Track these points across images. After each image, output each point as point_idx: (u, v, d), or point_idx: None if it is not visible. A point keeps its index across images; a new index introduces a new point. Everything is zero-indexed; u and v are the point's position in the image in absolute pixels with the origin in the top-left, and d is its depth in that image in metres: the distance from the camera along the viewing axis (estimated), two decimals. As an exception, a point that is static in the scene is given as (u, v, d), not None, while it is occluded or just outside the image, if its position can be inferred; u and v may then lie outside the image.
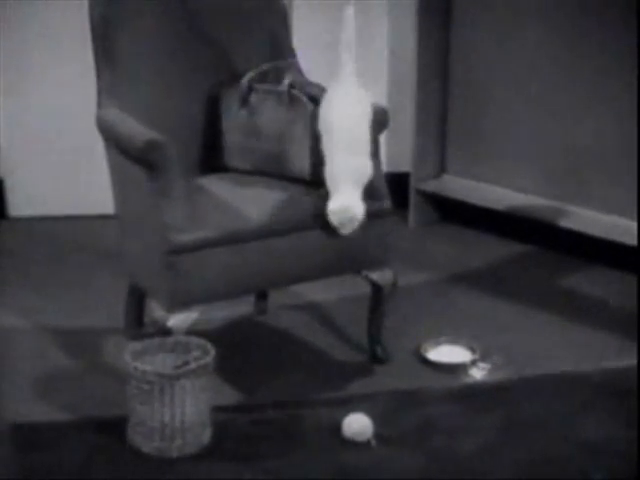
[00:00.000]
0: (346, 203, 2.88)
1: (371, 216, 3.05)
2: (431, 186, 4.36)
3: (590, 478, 2.47)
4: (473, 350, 3.29)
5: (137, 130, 2.90)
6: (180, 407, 2.72)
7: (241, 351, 3.30)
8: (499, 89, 4.20)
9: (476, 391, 3.13)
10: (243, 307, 3.50)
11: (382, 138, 3.12)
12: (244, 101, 3.17)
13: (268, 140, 3.14)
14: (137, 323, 3.26)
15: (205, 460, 2.75)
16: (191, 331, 2.87)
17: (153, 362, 2.83)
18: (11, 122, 4.26)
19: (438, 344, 3.33)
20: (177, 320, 2.84)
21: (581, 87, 3.94)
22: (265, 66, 3.19)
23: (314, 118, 3.03)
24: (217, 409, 2.85)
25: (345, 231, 2.90)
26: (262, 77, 3.18)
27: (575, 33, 3.90)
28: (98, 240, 4.08)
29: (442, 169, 4.43)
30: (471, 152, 4.34)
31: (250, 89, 3.16)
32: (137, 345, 2.85)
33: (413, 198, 4.36)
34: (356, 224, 2.89)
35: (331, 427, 2.82)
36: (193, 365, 2.79)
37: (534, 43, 4.04)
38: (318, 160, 3.01)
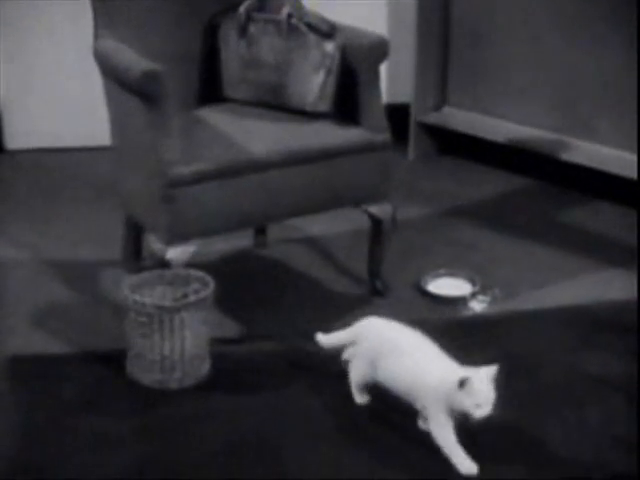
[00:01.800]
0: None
1: (370, 148, 3.03)
2: (432, 118, 4.33)
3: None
4: (473, 283, 3.28)
5: (134, 60, 2.86)
6: (179, 339, 2.72)
7: (240, 284, 3.30)
8: (502, 20, 4.15)
9: (476, 324, 3.13)
10: (242, 240, 3.49)
11: (382, 68, 3.09)
12: (243, 31, 3.13)
13: (267, 70, 3.11)
14: (135, 256, 3.25)
15: (204, 392, 2.76)
16: (190, 264, 2.86)
17: (152, 295, 2.83)
18: (9, 54, 4.22)
19: (438, 277, 3.33)
20: (175, 253, 2.83)
21: (583, 20, 3.89)
22: (263, -7, 3.16)
23: (314, 48, 3.00)
24: (216, 341, 2.85)
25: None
26: (261, 6, 3.14)
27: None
28: (96, 172, 4.06)
29: (443, 101, 4.39)
30: (473, 84, 4.30)
31: (248, 18, 3.12)
32: (136, 278, 2.84)
33: (413, 130, 4.33)
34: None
35: (330, 358, 2.82)
36: (192, 298, 2.79)
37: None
38: (318, 91, 2.98)
